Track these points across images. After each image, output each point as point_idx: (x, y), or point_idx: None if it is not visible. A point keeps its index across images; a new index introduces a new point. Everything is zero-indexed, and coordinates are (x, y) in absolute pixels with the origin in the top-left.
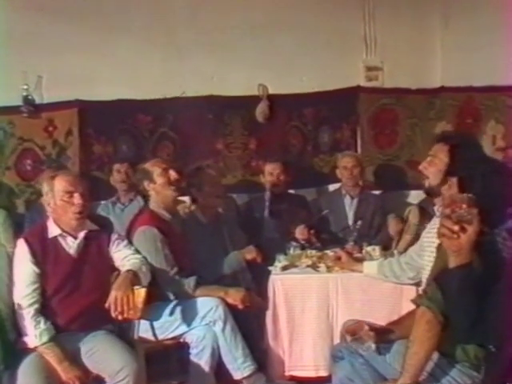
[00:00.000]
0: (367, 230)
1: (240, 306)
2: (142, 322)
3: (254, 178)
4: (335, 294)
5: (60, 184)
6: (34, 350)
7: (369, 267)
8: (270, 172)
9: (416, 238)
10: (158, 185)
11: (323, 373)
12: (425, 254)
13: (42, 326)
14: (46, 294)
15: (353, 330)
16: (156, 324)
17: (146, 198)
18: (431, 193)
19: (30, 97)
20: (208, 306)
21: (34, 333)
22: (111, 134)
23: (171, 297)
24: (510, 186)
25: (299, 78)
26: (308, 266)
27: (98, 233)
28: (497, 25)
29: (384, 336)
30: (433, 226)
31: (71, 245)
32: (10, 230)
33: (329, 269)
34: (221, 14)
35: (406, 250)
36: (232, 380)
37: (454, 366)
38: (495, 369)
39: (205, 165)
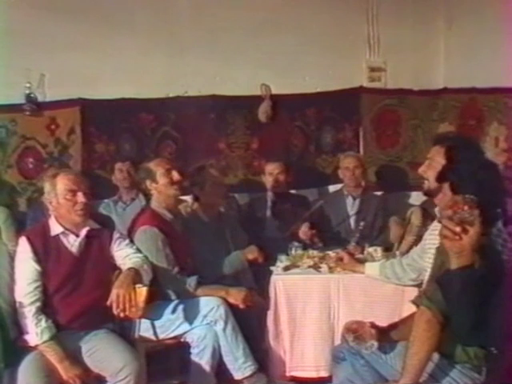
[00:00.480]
0: (369, 230)
1: (241, 306)
2: (143, 321)
3: (256, 178)
4: (337, 295)
5: (63, 183)
6: (34, 348)
7: (370, 268)
8: (270, 172)
9: (418, 239)
10: (161, 185)
11: (324, 373)
12: (427, 255)
13: (43, 324)
14: (47, 293)
15: (355, 329)
16: (157, 323)
17: (147, 196)
18: (431, 195)
19: (32, 95)
20: (209, 305)
21: (35, 331)
22: (113, 132)
23: (172, 296)
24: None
25: (302, 78)
26: (310, 267)
27: (100, 231)
28: (500, 26)
29: (386, 335)
30: (435, 228)
31: (73, 243)
32: (11, 228)
33: (330, 269)
34: (224, 13)
35: (408, 251)
36: (233, 380)
37: (454, 367)
38: (496, 370)
39: (208, 164)
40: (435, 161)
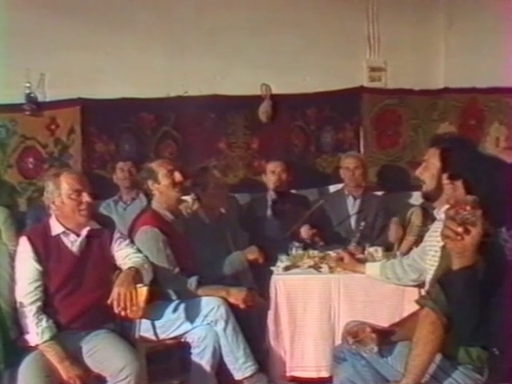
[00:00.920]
0: (370, 231)
1: (242, 306)
2: (143, 321)
3: (256, 178)
4: (337, 295)
5: (67, 182)
6: (35, 348)
7: (371, 268)
8: (272, 170)
9: (419, 239)
10: (163, 185)
11: (324, 374)
12: (427, 256)
13: (44, 324)
14: (48, 292)
15: (355, 333)
16: (157, 323)
17: (149, 197)
18: (428, 197)
19: (32, 94)
20: (210, 305)
21: (36, 331)
22: (114, 132)
23: (173, 296)
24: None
25: (302, 77)
26: (310, 267)
27: (100, 231)
28: (501, 26)
29: (386, 338)
30: (435, 229)
31: (74, 242)
32: (11, 228)
33: (331, 269)
34: (224, 13)
35: (408, 251)
36: (233, 380)
37: (456, 368)
38: (498, 371)
39: (211, 165)
40: (431, 163)
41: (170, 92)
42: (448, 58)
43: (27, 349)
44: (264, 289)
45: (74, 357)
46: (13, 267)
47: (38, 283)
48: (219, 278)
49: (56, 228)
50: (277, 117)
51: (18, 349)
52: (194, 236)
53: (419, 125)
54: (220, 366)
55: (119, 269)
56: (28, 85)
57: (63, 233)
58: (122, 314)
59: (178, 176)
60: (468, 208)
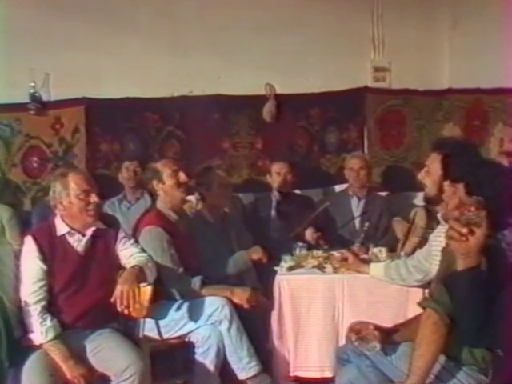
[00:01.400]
0: (374, 231)
1: (246, 306)
2: (148, 320)
3: (260, 178)
4: (341, 295)
5: (75, 183)
6: (39, 347)
7: (375, 269)
8: (277, 171)
9: (422, 240)
10: (167, 185)
11: (328, 374)
12: (432, 258)
13: (49, 323)
14: (52, 292)
15: (358, 330)
16: (161, 323)
17: (154, 197)
18: (430, 201)
19: (37, 94)
20: (214, 305)
21: (40, 330)
22: (118, 132)
23: (177, 296)
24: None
25: (306, 78)
26: (314, 267)
27: (105, 231)
28: (505, 26)
29: (389, 337)
30: (439, 232)
31: (79, 242)
32: (16, 227)
33: (335, 270)
34: (228, 13)
35: (412, 252)
36: (237, 380)
37: (460, 368)
38: (503, 373)
39: (215, 165)
40: (432, 168)
41: (174, 92)
42: (452, 59)
43: (31, 348)
44: (268, 289)
45: (78, 356)
46: (18, 266)
47: (43, 282)
48: (223, 278)
49: (61, 228)
50: (281, 117)
51: (22, 348)
52: (198, 235)
53: (423, 125)
54: (224, 366)
55: (124, 268)
56: (33, 84)
57: (68, 233)
58: (125, 312)
59: (182, 176)
60: (472, 209)
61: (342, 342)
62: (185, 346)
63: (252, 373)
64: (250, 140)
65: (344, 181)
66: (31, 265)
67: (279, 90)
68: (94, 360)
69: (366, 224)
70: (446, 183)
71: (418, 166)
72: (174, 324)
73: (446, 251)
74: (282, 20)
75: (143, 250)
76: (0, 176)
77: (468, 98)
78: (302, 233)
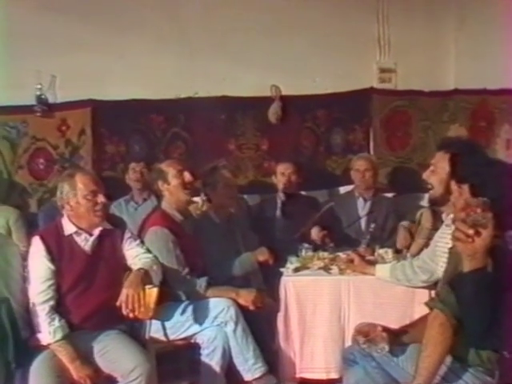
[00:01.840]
0: (380, 232)
1: (251, 307)
2: (154, 322)
3: (266, 179)
4: (347, 297)
5: (83, 183)
6: (46, 347)
7: (381, 270)
8: (282, 172)
9: (428, 241)
10: (172, 186)
11: (334, 375)
12: (438, 258)
13: (57, 323)
14: (60, 292)
15: (366, 332)
16: (167, 324)
17: (159, 197)
18: (435, 202)
19: (43, 96)
20: (220, 306)
21: (48, 330)
22: (124, 133)
23: (183, 297)
24: None
25: (312, 79)
26: (320, 268)
27: (112, 231)
28: (511, 27)
29: (397, 338)
30: (444, 233)
31: (86, 242)
32: (22, 229)
33: (341, 271)
34: (233, 14)
35: (418, 253)
36: (242, 381)
37: (467, 370)
38: (509, 374)
39: (221, 165)
40: (439, 167)
41: (180, 93)
42: (458, 60)
43: (39, 348)
44: (274, 290)
45: (85, 357)
46: (24, 268)
47: (51, 282)
48: (229, 279)
49: (68, 228)
50: (286, 118)
51: (29, 349)
52: (203, 236)
53: (429, 126)
54: (229, 368)
55: (130, 269)
56: (39, 86)
57: (75, 232)
58: (130, 315)
59: (187, 176)
60: (479, 210)
61: (348, 343)
62: (191, 348)
63: (258, 374)
64: (256, 141)
65: (350, 182)
66: (39, 265)
67: (285, 92)
68: (101, 361)
69: (372, 225)
70: (455, 187)
71: (424, 167)
72: (180, 325)
73: (452, 252)
74: (288, 21)
75: (148, 251)
76: (6, 178)
77: (474, 99)
78: (307, 233)
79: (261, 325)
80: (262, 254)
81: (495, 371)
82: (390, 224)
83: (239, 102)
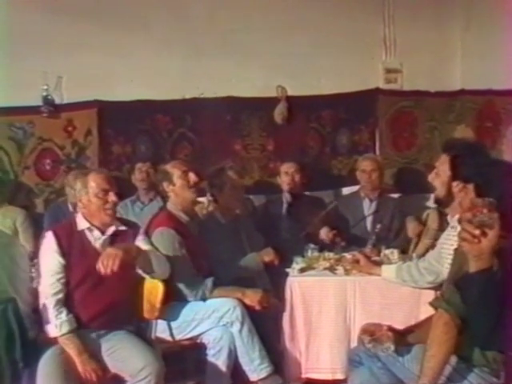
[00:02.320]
0: (386, 233)
1: (257, 308)
2: (160, 322)
3: (272, 180)
4: (353, 297)
5: (95, 181)
6: (55, 342)
7: (387, 271)
8: (286, 171)
9: (435, 243)
10: (178, 187)
11: (340, 376)
12: (444, 259)
13: (64, 317)
14: (69, 287)
15: (371, 331)
16: (173, 324)
17: (165, 198)
18: (440, 203)
19: (49, 97)
20: (226, 306)
21: (55, 323)
22: (130, 134)
23: (189, 297)
24: None
25: (318, 79)
26: (326, 269)
27: (125, 232)
28: None
29: (403, 338)
30: (449, 234)
31: (97, 239)
32: (29, 229)
33: (347, 271)
34: (240, 15)
35: (424, 254)
36: (248, 382)
37: (472, 370)
38: None
39: (228, 167)
40: (442, 170)
41: (186, 94)
42: (464, 60)
43: (48, 342)
44: (279, 290)
45: (93, 353)
46: (31, 268)
47: (60, 276)
48: (235, 280)
49: (82, 224)
50: (292, 119)
51: (36, 348)
52: (209, 236)
53: (435, 127)
54: (235, 368)
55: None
56: (45, 87)
57: (88, 228)
58: (101, 271)
59: (192, 176)
60: (485, 211)
61: (354, 344)
62: (196, 348)
63: (263, 374)
64: (262, 142)
65: (355, 183)
66: (49, 259)
67: (290, 92)
68: (109, 360)
69: (378, 226)
70: (455, 184)
71: (430, 167)
72: (186, 325)
73: (458, 253)
74: (293, 22)
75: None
76: (13, 178)
77: (480, 100)
78: (314, 234)
79: (266, 325)
80: (268, 255)
81: (500, 372)
82: (396, 224)
83: (245, 102)
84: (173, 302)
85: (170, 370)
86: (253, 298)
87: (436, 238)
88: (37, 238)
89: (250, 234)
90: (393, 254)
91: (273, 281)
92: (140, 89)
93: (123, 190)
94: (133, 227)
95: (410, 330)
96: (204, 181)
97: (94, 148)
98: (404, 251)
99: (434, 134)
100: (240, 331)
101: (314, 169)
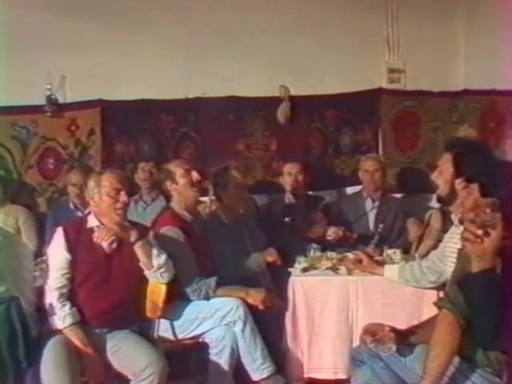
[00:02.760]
0: (388, 233)
1: (260, 307)
2: (162, 321)
3: (275, 179)
4: (355, 297)
5: (108, 180)
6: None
7: (390, 270)
8: (289, 172)
9: (437, 243)
10: (180, 185)
11: (342, 375)
12: (447, 259)
13: (67, 310)
14: (74, 283)
15: (373, 331)
16: (176, 323)
17: (168, 198)
18: (443, 201)
19: (53, 96)
20: (228, 306)
21: (59, 315)
22: (133, 133)
23: (192, 296)
24: None
25: (321, 79)
26: (328, 268)
27: None
28: None
29: (405, 338)
30: (453, 233)
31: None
32: (32, 228)
33: (349, 271)
34: (243, 14)
35: (427, 254)
36: (250, 381)
37: (475, 370)
38: None
39: (232, 166)
40: (444, 168)
41: (189, 93)
42: (468, 60)
43: (52, 333)
44: (282, 290)
45: (98, 348)
46: (36, 265)
47: (65, 271)
48: (237, 279)
49: (92, 221)
50: (295, 118)
51: (40, 347)
52: (213, 236)
53: (439, 127)
54: (237, 367)
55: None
56: (49, 87)
57: (97, 226)
58: (96, 240)
59: (195, 175)
60: (488, 211)
61: (356, 343)
62: (199, 347)
63: (265, 374)
64: (265, 141)
65: (358, 182)
66: (57, 254)
67: (293, 92)
68: (113, 359)
69: (381, 226)
70: (458, 181)
71: (433, 167)
72: (189, 324)
73: (461, 253)
74: (297, 22)
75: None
76: (16, 177)
77: (484, 100)
78: (315, 232)
79: (269, 324)
80: (271, 255)
81: (503, 372)
82: (399, 224)
83: (248, 102)
84: (176, 301)
85: (173, 369)
86: (256, 297)
87: (439, 239)
88: (39, 236)
89: (253, 233)
90: (395, 254)
91: (275, 280)
92: (143, 88)
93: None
94: (142, 230)
95: (412, 331)
96: (207, 180)
97: (97, 147)
98: (406, 251)
99: (438, 133)
100: (242, 330)
101: (316, 168)
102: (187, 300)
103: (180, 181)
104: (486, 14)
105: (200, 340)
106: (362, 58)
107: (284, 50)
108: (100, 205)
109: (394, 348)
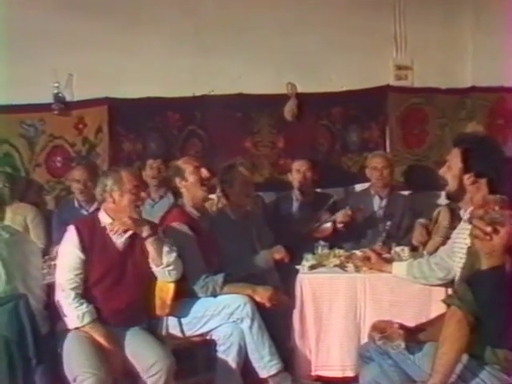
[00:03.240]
0: (396, 230)
1: (268, 305)
2: (170, 318)
3: (282, 177)
4: (363, 294)
5: (128, 178)
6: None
7: (398, 268)
8: (297, 169)
9: (445, 240)
10: (190, 183)
11: (350, 373)
12: (455, 255)
13: (85, 308)
14: (88, 283)
15: (382, 328)
16: (184, 320)
17: (176, 195)
18: (452, 197)
19: (60, 94)
20: (236, 303)
21: (76, 314)
22: (140, 131)
23: (199, 293)
24: None
25: (328, 76)
26: (336, 266)
27: None
28: None
29: (414, 336)
30: (462, 229)
31: (118, 237)
32: (40, 226)
33: (357, 269)
34: (249, 12)
35: (435, 251)
36: (258, 378)
37: (483, 368)
38: None
39: (238, 163)
40: (453, 163)
41: (196, 91)
42: (476, 57)
43: (66, 332)
44: (289, 287)
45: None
46: (44, 262)
47: (79, 271)
48: (245, 276)
49: (104, 219)
50: (302, 116)
51: (49, 345)
52: (220, 233)
53: (446, 124)
54: (245, 364)
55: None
56: (56, 85)
57: (111, 224)
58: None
59: (204, 172)
60: (497, 208)
61: (364, 341)
62: (207, 344)
63: (273, 371)
64: (272, 139)
65: (365, 180)
66: (70, 254)
67: (300, 89)
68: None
69: (388, 223)
70: (467, 176)
71: (441, 164)
72: (196, 322)
73: (470, 250)
74: (304, 19)
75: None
76: (24, 175)
77: (491, 97)
78: (323, 230)
79: (277, 322)
80: (279, 253)
81: (511, 370)
82: (406, 222)
83: (255, 99)
84: (184, 298)
85: (181, 366)
86: (263, 294)
87: (447, 236)
88: (47, 234)
89: (260, 230)
90: (403, 251)
91: (283, 278)
92: (150, 86)
93: None
94: (152, 226)
95: (420, 328)
96: (215, 177)
97: (105, 145)
98: (414, 249)
99: (445, 130)
100: (250, 328)
101: (324, 166)
102: (195, 297)
103: (189, 178)
104: (493, 11)
105: (208, 337)
106: (369, 56)
107: (291, 48)
108: (120, 202)
109: (402, 345)
